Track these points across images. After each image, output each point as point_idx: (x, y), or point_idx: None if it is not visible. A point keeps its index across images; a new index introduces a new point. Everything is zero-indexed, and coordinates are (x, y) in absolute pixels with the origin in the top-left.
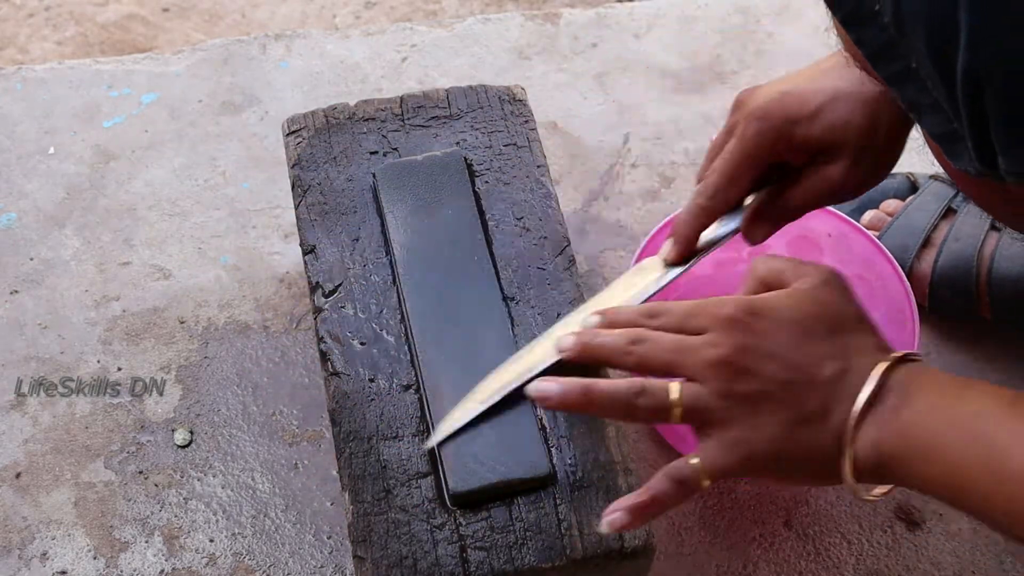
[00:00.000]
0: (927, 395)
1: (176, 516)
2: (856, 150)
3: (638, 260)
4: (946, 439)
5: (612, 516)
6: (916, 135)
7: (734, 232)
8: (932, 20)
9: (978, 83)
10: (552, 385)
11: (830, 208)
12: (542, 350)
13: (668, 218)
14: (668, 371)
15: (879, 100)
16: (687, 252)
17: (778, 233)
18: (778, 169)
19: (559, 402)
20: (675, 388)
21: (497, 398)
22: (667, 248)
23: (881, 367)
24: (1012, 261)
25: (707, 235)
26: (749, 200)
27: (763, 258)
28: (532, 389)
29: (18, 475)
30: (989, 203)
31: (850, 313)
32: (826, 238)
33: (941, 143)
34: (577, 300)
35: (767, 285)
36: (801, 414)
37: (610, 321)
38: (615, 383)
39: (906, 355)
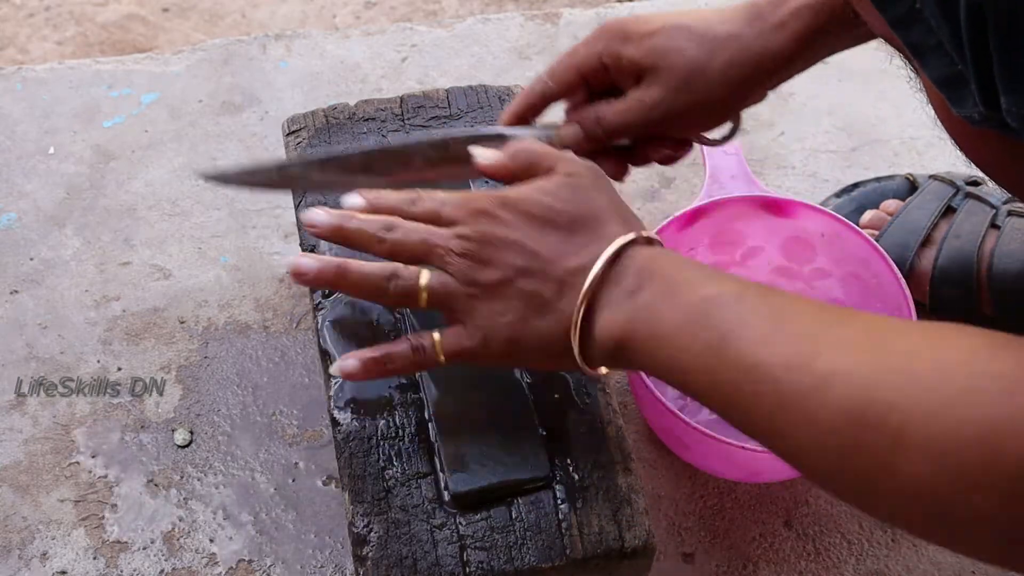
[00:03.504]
0: (661, 279)
1: (176, 516)
2: (679, 80)
3: None
4: (674, 324)
5: (345, 362)
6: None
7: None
8: None
9: (981, 17)
10: (310, 261)
11: (825, 209)
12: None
13: (668, 218)
14: (418, 260)
15: (728, 43)
16: (515, 120)
17: (769, 234)
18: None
19: (314, 277)
20: (425, 274)
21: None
22: (502, 115)
23: (609, 250)
24: (1012, 257)
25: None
26: None
27: (517, 145)
28: (292, 261)
29: None
30: (988, 160)
31: (597, 207)
32: (819, 238)
33: (945, 89)
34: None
35: (525, 173)
36: (536, 301)
37: (371, 204)
38: (371, 265)
39: (648, 238)
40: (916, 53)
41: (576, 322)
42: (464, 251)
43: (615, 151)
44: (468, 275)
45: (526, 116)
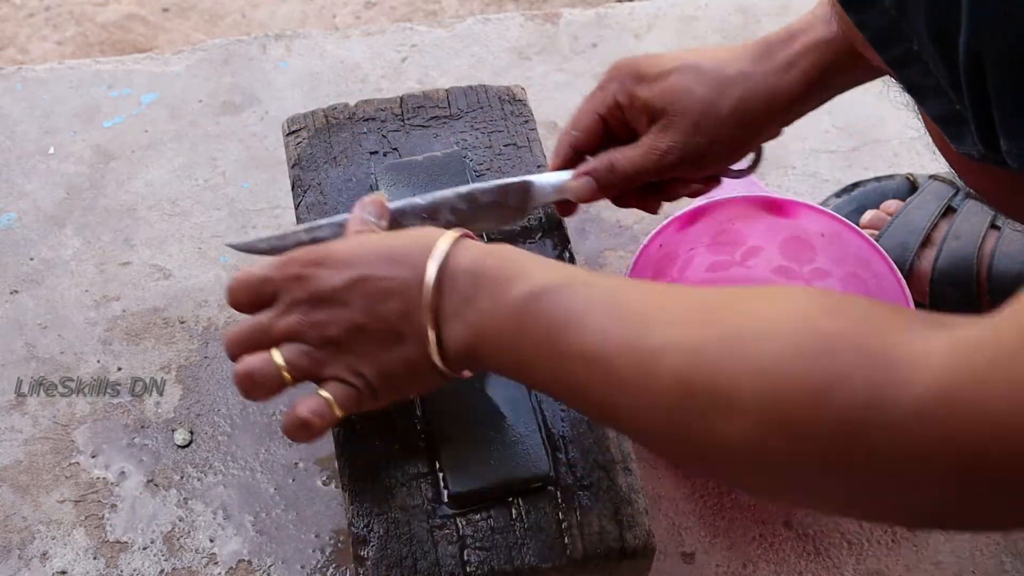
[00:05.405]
0: (491, 280)
1: (176, 516)
2: (690, 123)
3: (637, 261)
4: (508, 325)
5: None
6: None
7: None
8: (933, 1)
9: (979, 62)
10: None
11: (825, 209)
12: None
13: (669, 218)
14: (255, 350)
15: (738, 82)
16: (560, 165)
17: (769, 234)
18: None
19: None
20: (276, 354)
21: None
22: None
23: (436, 254)
24: (1012, 258)
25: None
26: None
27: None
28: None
29: None
30: (990, 192)
31: (406, 233)
32: (819, 238)
33: (944, 127)
34: None
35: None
36: (389, 330)
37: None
38: (237, 369)
39: (469, 235)
40: (914, 92)
41: (432, 340)
42: (292, 327)
43: (642, 190)
44: (314, 339)
45: (565, 168)
